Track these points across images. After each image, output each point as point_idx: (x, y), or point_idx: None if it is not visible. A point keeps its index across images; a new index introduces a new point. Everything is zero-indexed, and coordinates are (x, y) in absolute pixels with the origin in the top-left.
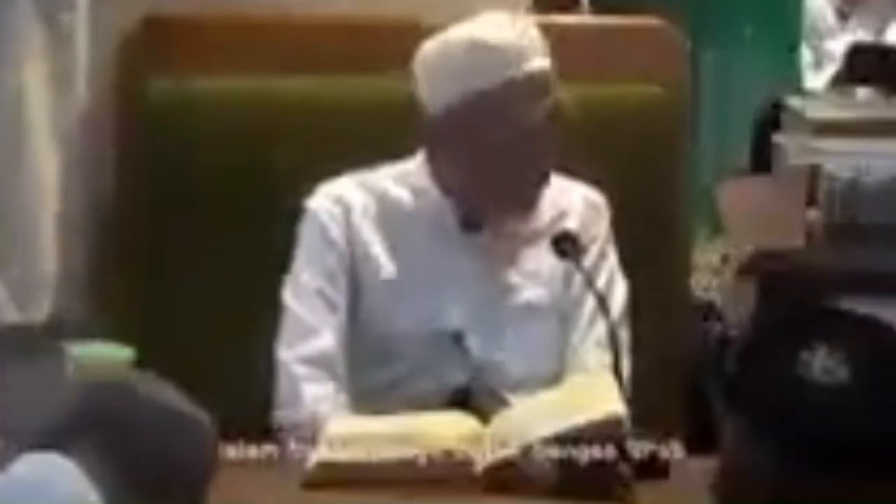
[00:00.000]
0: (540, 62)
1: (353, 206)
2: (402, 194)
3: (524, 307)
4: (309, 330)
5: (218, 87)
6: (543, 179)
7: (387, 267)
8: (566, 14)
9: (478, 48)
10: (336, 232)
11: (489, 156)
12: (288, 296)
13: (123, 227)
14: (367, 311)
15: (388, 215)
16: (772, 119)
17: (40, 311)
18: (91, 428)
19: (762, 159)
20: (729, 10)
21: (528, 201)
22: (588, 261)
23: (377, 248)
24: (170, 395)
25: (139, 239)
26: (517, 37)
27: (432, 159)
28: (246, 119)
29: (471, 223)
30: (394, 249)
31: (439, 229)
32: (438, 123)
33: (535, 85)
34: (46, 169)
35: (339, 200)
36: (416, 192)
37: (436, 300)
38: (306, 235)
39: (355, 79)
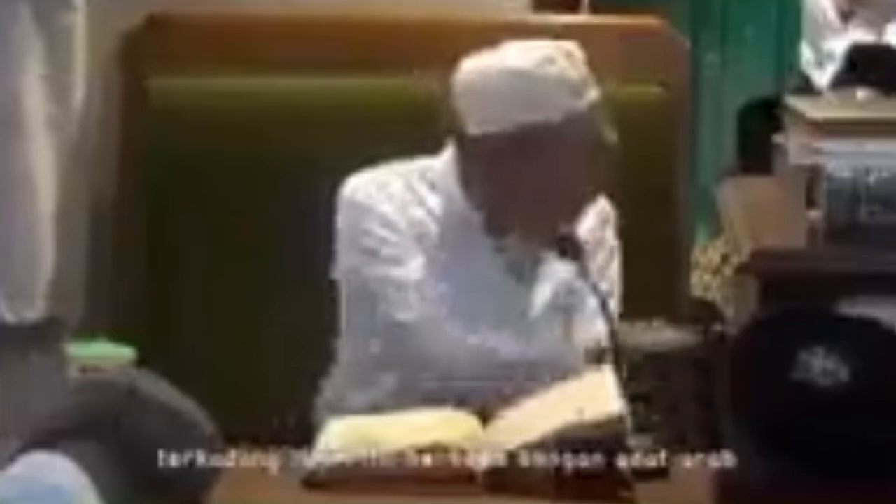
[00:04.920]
0: (593, 94)
1: (393, 194)
2: (428, 193)
3: (537, 309)
4: (411, 291)
5: (219, 87)
6: (584, 206)
7: (411, 263)
8: (566, 14)
9: (537, 78)
10: (386, 208)
11: (534, 184)
12: (376, 270)
13: (124, 225)
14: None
15: (416, 211)
16: (760, 118)
17: (36, 311)
18: (91, 428)
19: (750, 159)
20: (729, 10)
21: (566, 224)
22: (594, 265)
23: (406, 242)
24: (170, 394)
25: (140, 238)
26: (573, 70)
27: (466, 171)
28: (247, 118)
29: (494, 228)
30: (419, 246)
31: (461, 231)
32: (481, 144)
33: (587, 118)
34: (43, 170)
35: (378, 183)
36: (441, 193)
37: (451, 300)
38: (356, 218)
39: (356, 78)
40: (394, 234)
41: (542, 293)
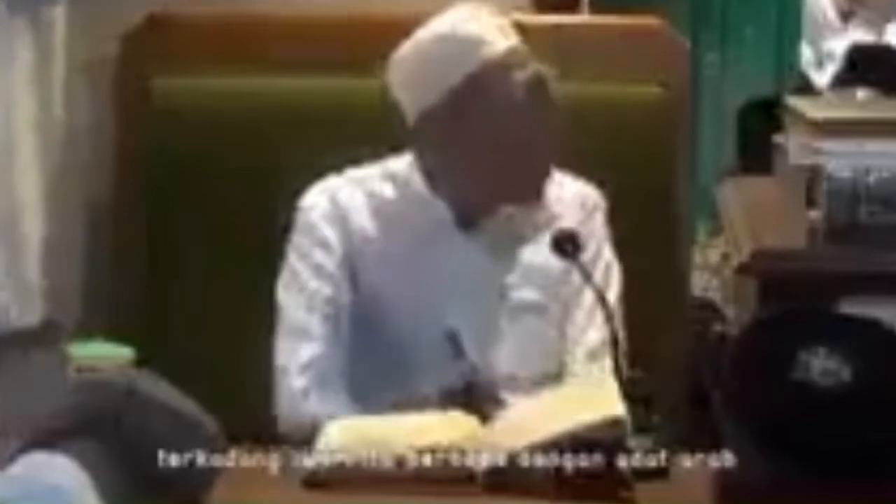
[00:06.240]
0: (508, 40)
1: (347, 205)
2: (393, 193)
3: (520, 305)
4: (304, 333)
5: (219, 87)
6: (546, 165)
7: (380, 268)
8: (566, 14)
9: (445, 41)
10: (330, 231)
11: (482, 148)
12: (283, 295)
13: (124, 225)
14: (363, 312)
15: (380, 214)
16: (760, 118)
17: (34, 314)
18: (90, 427)
19: (750, 159)
20: (729, 10)
21: (533, 190)
22: (584, 257)
23: (371, 248)
24: (170, 393)
25: (140, 238)
26: (480, 21)
27: (423, 162)
28: (247, 118)
29: (464, 221)
30: (387, 250)
31: (431, 229)
32: (423, 126)
33: (511, 62)
34: (34, 172)
35: (332, 199)
36: (407, 192)
37: (430, 300)
38: (300, 234)
39: (356, 78)
40: (329, 260)
41: (526, 290)
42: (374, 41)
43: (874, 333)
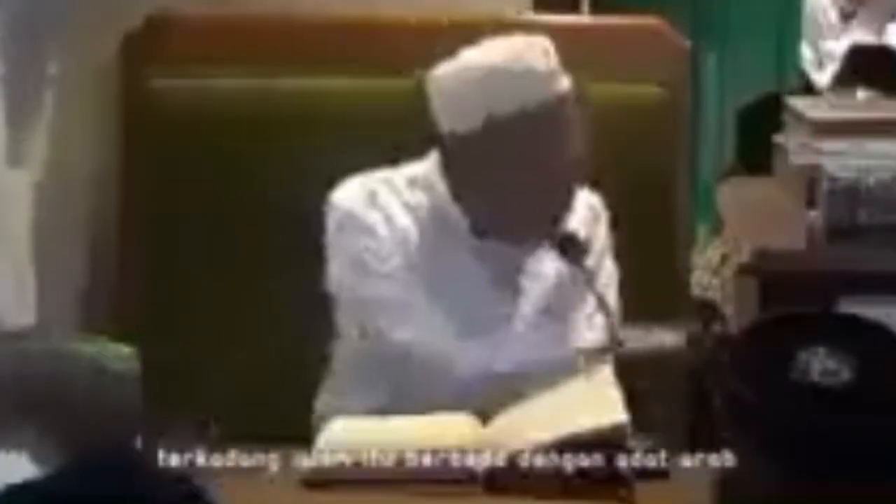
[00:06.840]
0: (562, 84)
1: (385, 203)
2: (415, 197)
3: (528, 310)
4: (406, 311)
5: (219, 87)
6: (573, 191)
7: (402, 269)
8: (566, 14)
9: (500, 75)
10: (380, 224)
11: (515, 178)
12: (368, 290)
13: (124, 226)
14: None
15: (403, 219)
16: (760, 118)
17: (30, 315)
18: (57, 402)
19: (750, 159)
20: (729, 10)
21: (556, 216)
22: (588, 261)
23: (395, 255)
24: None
25: (140, 238)
26: (539, 62)
27: (448, 172)
28: (247, 118)
29: (480, 228)
30: (409, 251)
31: (448, 233)
32: (458, 144)
33: (559, 106)
34: (34, 173)
35: (371, 196)
36: (428, 196)
37: (442, 302)
38: (349, 231)
39: (356, 78)
40: (383, 248)
41: (534, 296)
42: (373, 41)
43: (874, 333)
